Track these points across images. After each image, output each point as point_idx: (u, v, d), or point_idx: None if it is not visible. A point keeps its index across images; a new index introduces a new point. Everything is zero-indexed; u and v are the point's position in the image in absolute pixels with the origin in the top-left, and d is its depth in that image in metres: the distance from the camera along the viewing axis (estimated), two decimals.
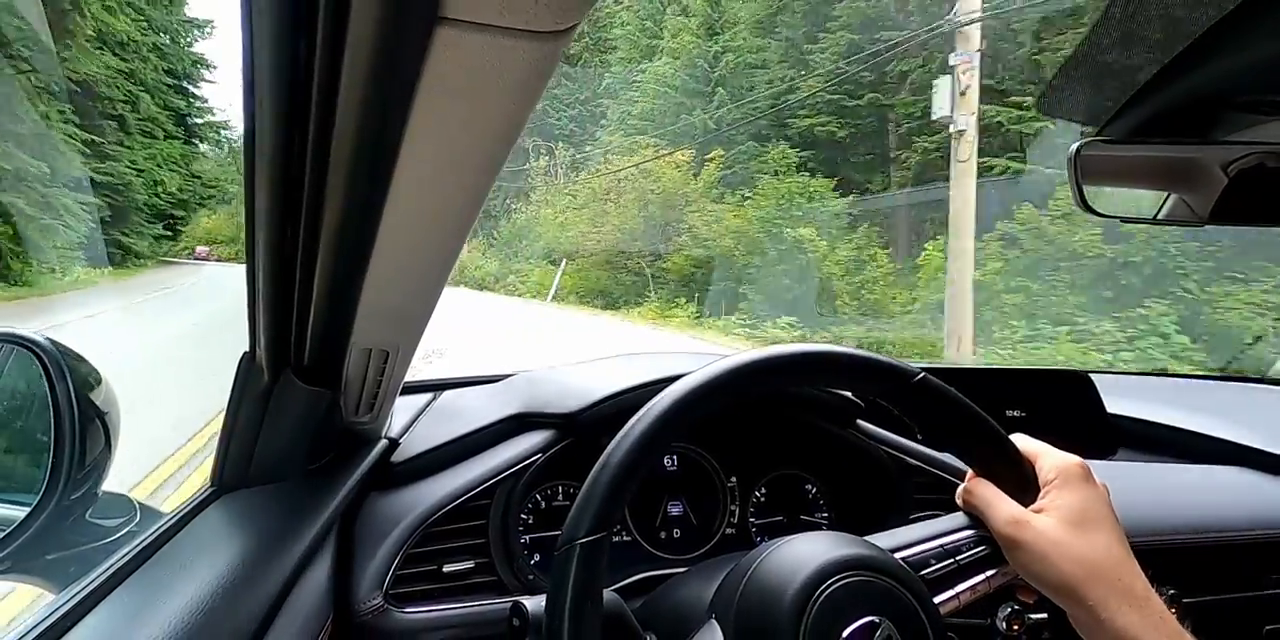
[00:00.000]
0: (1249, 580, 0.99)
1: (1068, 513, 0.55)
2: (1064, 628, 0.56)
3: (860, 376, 0.59)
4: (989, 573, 0.58)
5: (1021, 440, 0.61)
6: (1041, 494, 0.58)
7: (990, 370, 1.15)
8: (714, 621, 0.52)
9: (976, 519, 0.59)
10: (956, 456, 0.62)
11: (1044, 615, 0.78)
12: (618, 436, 0.51)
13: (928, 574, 0.56)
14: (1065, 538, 0.54)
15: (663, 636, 0.55)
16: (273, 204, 0.48)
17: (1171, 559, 0.93)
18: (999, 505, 0.57)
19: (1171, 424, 1.16)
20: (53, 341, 0.72)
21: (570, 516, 0.49)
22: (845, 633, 0.49)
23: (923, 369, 0.59)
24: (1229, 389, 1.52)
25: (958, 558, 0.58)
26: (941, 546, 0.58)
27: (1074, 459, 0.59)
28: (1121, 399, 1.17)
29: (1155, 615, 0.52)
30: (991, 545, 0.58)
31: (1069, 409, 1.10)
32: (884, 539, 0.58)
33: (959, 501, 0.61)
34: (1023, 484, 0.58)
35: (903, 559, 0.56)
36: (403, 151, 0.42)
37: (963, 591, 0.56)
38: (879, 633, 0.49)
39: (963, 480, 0.91)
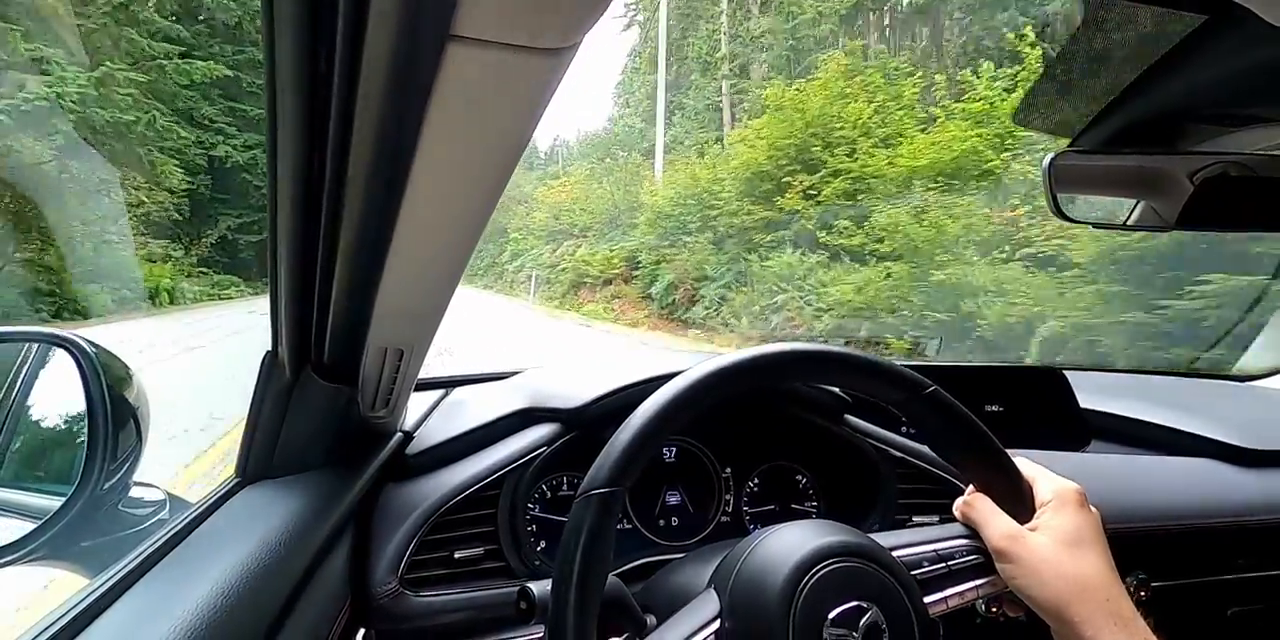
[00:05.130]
0: (1215, 565, 0.99)
1: (1061, 533, 0.55)
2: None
3: (876, 382, 0.58)
4: (978, 582, 0.57)
5: (1022, 462, 0.61)
6: (1037, 514, 0.57)
7: (969, 367, 1.15)
8: (711, 590, 0.53)
9: (972, 531, 0.59)
10: (957, 469, 0.61)
11: None
12: (646, 401, 0.52)
13: (919, 574, 0.55)
14: (1057, 556, 0.54)
15: (662, 617, 0.55)
16: (294, 211, 0.48)
17: (1141, 545, 0.93)
18: (996, 519, 0.57)
19: (1142, 418, 1.16)
20: (87, 340, 0.72)
21: (590, 472, 0.50)
22: (832, 614, 0.49)
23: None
24: (1197, 385, 1.52)
25: (949, 563, 0.57)
26: (935, 551, 0.58)
27: (1071, 484, 0.59)
28: (1094, 395, 1.17)
29: (1140, 637, 0.51)
30: (984, 556, 0.58)
31: (1043, 403, 1.10)
32: (881, 538, 0.58)
33: (956, 513, 0.61)
34: (1020, 502, 0.58)
35: (896, 557, 0.56)
36: (416, 162, 0.42)
37: (951, 595, 0.56)
38: (866, 617, 0.49)
39: (943, 471, 0.91)
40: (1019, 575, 0.54)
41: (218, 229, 19.72)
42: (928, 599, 0.54)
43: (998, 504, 0.58)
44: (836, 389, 0.92)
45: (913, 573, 0.55)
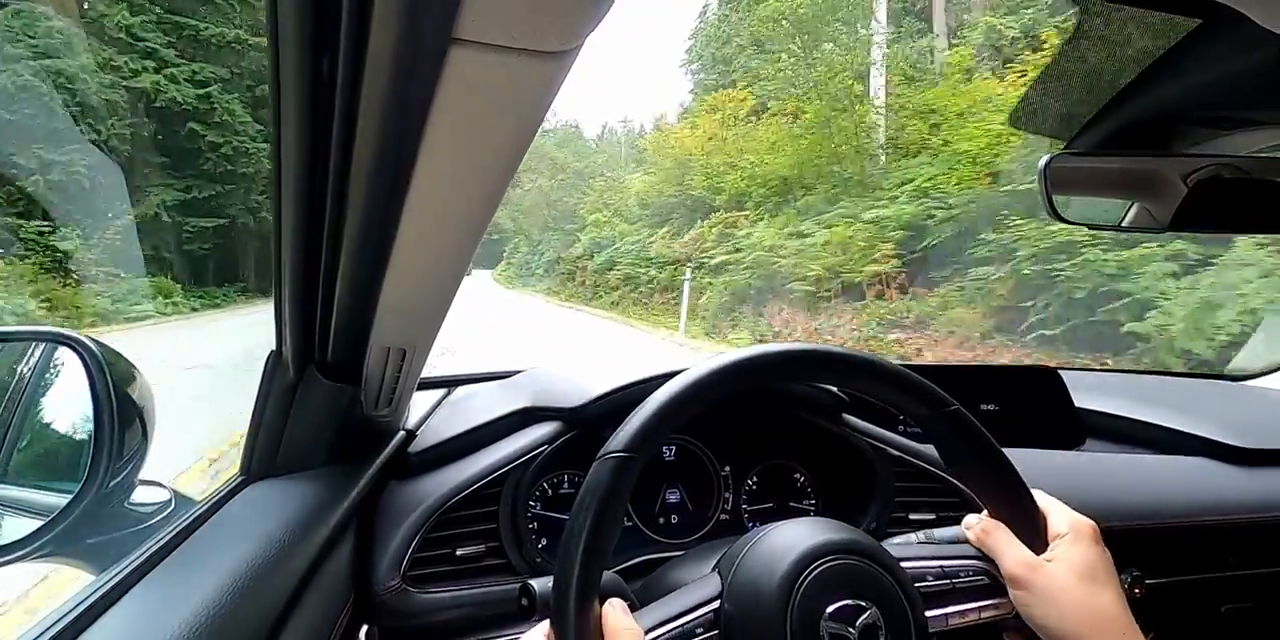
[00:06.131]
0: (1209, 562, 0.99)
1: (1079, 566, 0.54)
2: None
3: (899, 393, 0.57)
4: (981, 603, 0.57)
5: (1036, 493, 0.61)
6: (1052, 545, 0.57)
7: (964, 366, 1.16)
8: (715, 574, 0.54)
9: (981, 554, 0.58)
10: (972, 491, 0.61)
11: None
12: (675, 378, 0.52)
13: (922, 587, 0.55)
14: (1075, 588, 0.53)
15: None
16: (298, 213, 0.48)
17: (1136, 542, 0.93)
18: (1013, 547, 0.56)
19: (1137, 417, 1.16)
20: (93, 339, 0.72)
21: (610, 438, 0.50)
22: (830, 609, 0.49)
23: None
24: (1192, 385, 1.52)
25: (954, 580, 0.57)
26: (941, 567, 0.57)
27: (1086, 519, 0.58)
28: (1090, 394, 1.17)
29: None
30: (990, 578, 0.57)
31: (1038, 402, 1.10)
32: (889, 547, 0.57)
33: (969, 536, 0.60)
34: (1034, 531, 0.58)
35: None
36: (418, 164, 0.42)
37: (952, 613, 0.55)
38: (864, 616, 0.49)
39: (941, 470, 0.91)
40: (1035, 604, 0.54)
41: (144, 206, 11.69)
42: (928, 613, 0.54)
43: (1012, 532, 0.57)
44: (835, 388, 0.92)
45: (916, 585, 0.54)
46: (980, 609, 0.56)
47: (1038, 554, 0.56)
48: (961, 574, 0.57)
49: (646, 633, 0.48)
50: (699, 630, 0.50)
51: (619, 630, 0.46)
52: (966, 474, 0.60)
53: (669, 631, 0.49)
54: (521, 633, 0.76)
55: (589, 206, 18.96)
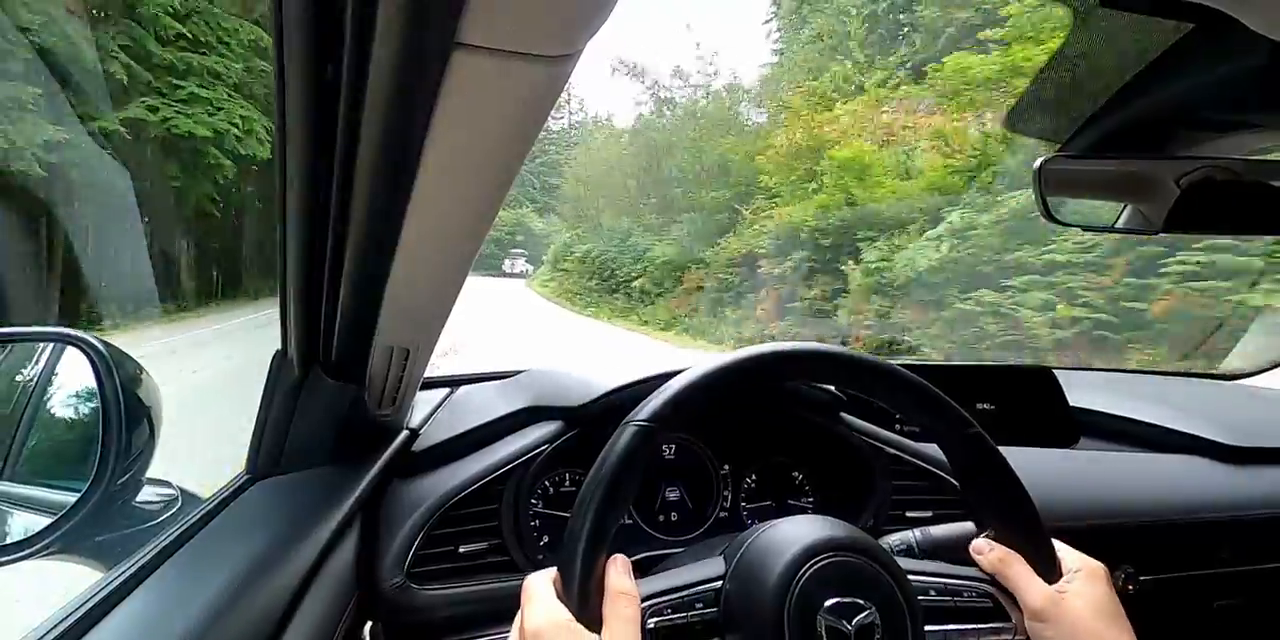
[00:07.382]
0: (1201, 559, 0.99)
1: (1098, 603, 0.54)
2: None
3: (921, 409, 0.57)
4: (981, 626, 0.56)
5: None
6: (1066, 579, 0.56)
7: (960, 366, 1.16)
8: (720, 557, 0.54)
9: (994, 580, 0.58)
10: (984, 515, 0.60)
11: None
12: (708, 360, 0.52)
13: (924, 600, 0.55)
14: (1097, 626, 0.52)
15: None
16: (303, 215, 0.48)
17: (1129, 539, 0.93)
18: (1035, 578, 0.56)
19: (1130, 416, 1.16)
20: (101, 339, 0.72)
21: (636, 407, 0.50)
22: (829, 602, 0.49)
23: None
24: (1185, 384, 1.52)
25: (957, 598, 0.56)
26: (945, 583, 0.57)
27: (1096, 560, 0.58)
28: (1084, 393, 1.17)
29: None
30: (993, 602, 0.56)
31: (1034, 401, 1.10)
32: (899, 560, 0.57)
33: (984, 564, 0.59)
34: (1048, 563, 0.57)
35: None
36: (421, 167, 0.42)
37: (951, 631, 0.55)
38: (863, 614, 0.50)
39: (938, 469, 0.91)
40: (1053, 637, 0.53)
41: None
42: (928, 628, 0.53)
43: (1024, 559, 0.57)
44: (833, 387, 0.92)
45: (918, 597, 0.54)
46: (979, 632, 0.56)
47: (1050, 584, 0.55)
48: (965, 593, 0.57)
49: (647, 599, 0.49)
50: (698, 604, 0.51)
51: (617, 593, 0.47)
52: (982, 498, 0.59)
53: (669, 600, 0.50)
54: None
55: (842, 148, 8.80)
